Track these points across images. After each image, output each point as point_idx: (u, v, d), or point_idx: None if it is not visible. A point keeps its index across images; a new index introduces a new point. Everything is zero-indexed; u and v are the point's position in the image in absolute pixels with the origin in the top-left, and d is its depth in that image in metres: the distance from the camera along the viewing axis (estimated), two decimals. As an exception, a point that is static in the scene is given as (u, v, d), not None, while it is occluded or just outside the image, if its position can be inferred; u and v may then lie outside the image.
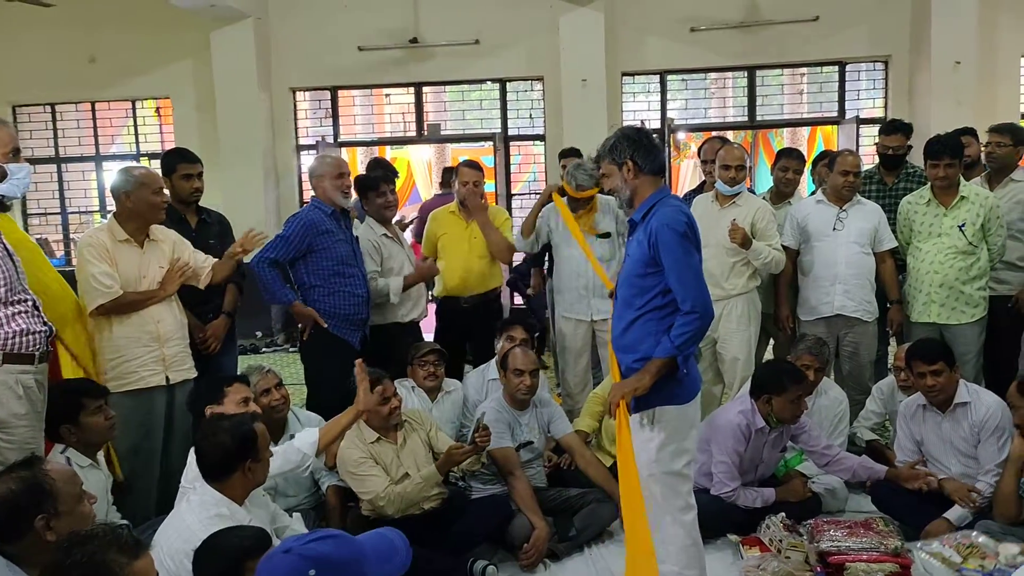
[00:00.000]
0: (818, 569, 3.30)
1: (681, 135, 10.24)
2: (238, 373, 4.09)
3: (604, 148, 2.96)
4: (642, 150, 2.88)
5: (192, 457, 2.99)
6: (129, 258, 3.66)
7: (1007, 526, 3.33)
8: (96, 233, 3.72)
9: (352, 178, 4.54)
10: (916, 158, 4.97)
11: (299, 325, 4.27)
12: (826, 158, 5.05)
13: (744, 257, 4.45)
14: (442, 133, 9.39)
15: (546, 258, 5.75)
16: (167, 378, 3.70)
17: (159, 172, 3.95)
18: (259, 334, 8.86)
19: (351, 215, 4.46)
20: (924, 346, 3.79)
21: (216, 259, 3.96)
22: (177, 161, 4.23)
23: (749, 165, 4.64)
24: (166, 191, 3.84)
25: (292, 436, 3.74)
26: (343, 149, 9.43)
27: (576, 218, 4.55)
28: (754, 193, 5.04)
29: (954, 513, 3.56)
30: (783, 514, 3.61)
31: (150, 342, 3.65)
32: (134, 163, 4.01)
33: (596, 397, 4.46)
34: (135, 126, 9.67)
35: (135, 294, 3.63)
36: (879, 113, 8.59)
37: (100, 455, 3.27)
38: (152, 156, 9.45)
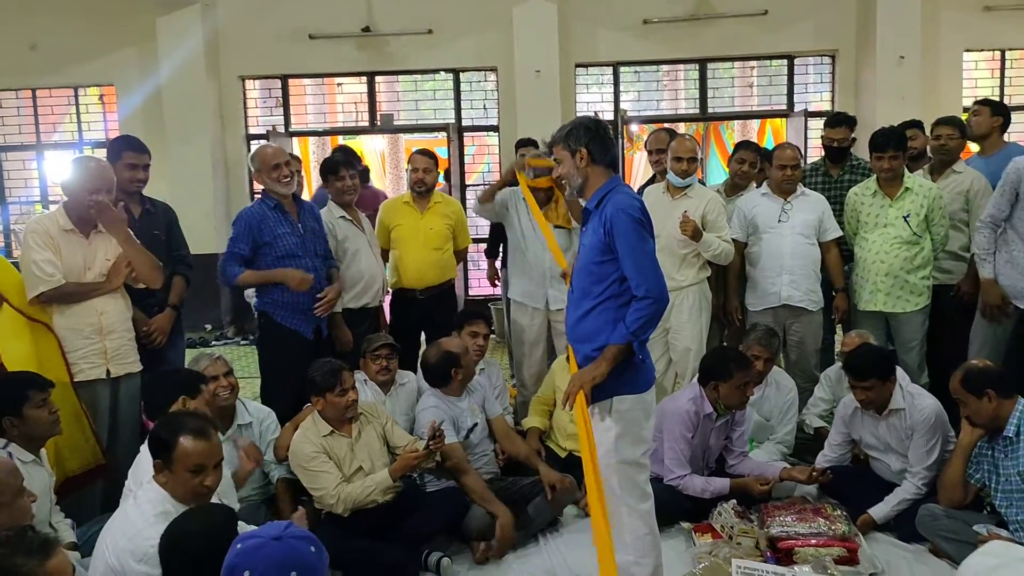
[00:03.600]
0: (768, 554, 3.36)
1: (634, 127, 10.30)
2: (185, 366, 4.02)
3: (560, 134, 2.94)
4: (597, 140, 2.87)
5: (141, 455, 2.92)
6: (74, 248, 3.57)
7: (952, 510, 3.41)
8: (42, 220, 3.63)
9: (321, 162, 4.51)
10: (861, 151, 5.06)
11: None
12: (770, 153, 5.11)
13: (695, 248, 4.49)
14: (395, 123, 9.31)
15: (500, 249, 5.77)
16: (108, 371, 3.62)
17: (99, 172, 3.65)
18: (208, 327, 8.72)
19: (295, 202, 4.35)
20: (858, 361, 3.75)
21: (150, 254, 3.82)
22: (124, 148, 4.12)
23: (701, 157, 4.68)
24: (100, 193, 3.58)
25: (240, 427, 3.72)
26: (295, 139, 9.31)
27: (546, 211, 4.57)
28: (705, 185, 5.09)
29: (879, 512, 3.64)
30: (734, 501, 3.66)
31: (91, 334, 3.57)
32: (87, 155, 3.84)
33: (538, 399, 4.56)
34: (78, 114, 9.41)
35: (77, 285, 3.55)
36: (826, 106, 8.74)
37: (43, 452, 3.18)
38: (96, 145, 9.23)
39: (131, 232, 3.71)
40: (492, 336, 5.07)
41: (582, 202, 2.99)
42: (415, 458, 3.45)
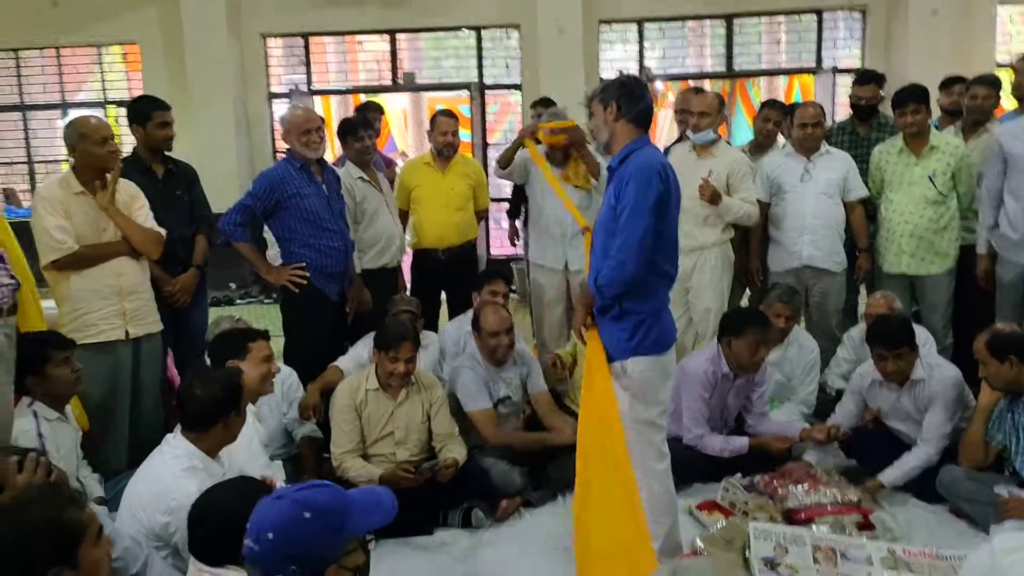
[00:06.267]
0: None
1: (659, 84, 10.14)
2: (209, 325, 4.06)
3: (598, 88, 2.95)
4: (628, 96, 2.84)
5: None
6: (86, 211, 3.53)
7: (972, 471, 3.40)
8: (51, 185, 3.60)
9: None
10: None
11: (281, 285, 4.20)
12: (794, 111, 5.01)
13: (716, 211, 4.44)
14: (417, 82, 9.24)
15: (522, 209, 5.74)
16: (127, 332, 3.61)
17: (102, 123, 3.62)
18: (233, 286, 8.78)
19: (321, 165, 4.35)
20: (887, 330, 3.70)
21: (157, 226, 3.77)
22: (152, 108, 4.13)
23: (724, 114, 4.60)
24: (112, 141, 3.56)
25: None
26: (316, 97, 9.27)
27: (565, 171, 4.53)
28: (730, 144, 5.02)
29: (888, 476, 3.60)
30: (739, 474, 3.62)
31: (110, 295, 3.56)
32: (84, 113, 3.81)
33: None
34: (101, 72, 9.44)
35: (91, 248, 3.52)
36: (856, 63, 8.55)
37: (68, 408, 3.24)
38: (120, 103, 9.25)
39: (116, 207, 3.61)
40: (513, 296, 5.08)
41: (603, 160, 2.98)
42: (404, 480, 3.37)
